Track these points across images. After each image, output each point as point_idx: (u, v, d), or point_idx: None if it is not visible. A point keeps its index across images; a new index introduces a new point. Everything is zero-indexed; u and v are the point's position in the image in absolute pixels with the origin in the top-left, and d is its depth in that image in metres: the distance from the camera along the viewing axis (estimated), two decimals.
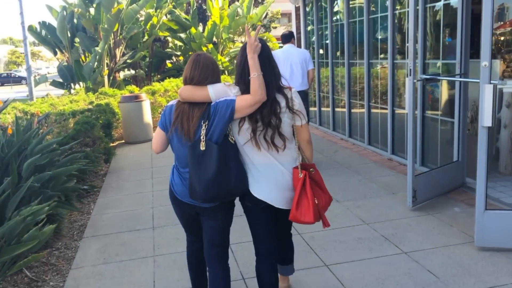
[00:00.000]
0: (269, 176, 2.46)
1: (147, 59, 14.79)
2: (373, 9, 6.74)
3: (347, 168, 6.14)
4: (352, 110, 7.74)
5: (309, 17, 9.42)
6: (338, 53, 8.12)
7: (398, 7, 6.07)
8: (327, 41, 8.39)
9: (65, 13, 11.86)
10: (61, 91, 12.42)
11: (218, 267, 2.59)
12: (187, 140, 2.37)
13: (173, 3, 14.52)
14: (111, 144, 9.07)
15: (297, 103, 2.46)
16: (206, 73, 2.40)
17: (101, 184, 6.23)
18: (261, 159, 2.45)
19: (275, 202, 2.48)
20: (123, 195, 5.69)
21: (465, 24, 4.67)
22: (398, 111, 6.25)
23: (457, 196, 4.75)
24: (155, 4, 13.32)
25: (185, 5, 15.77)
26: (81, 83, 11.56)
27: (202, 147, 2.32)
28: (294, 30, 10.27)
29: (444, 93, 5.29)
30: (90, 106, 7.96)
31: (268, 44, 2.63)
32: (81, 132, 5.69)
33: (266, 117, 2.36)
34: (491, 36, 3.18)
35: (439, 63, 5.25)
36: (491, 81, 3.27)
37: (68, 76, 11.93)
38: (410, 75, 4.22)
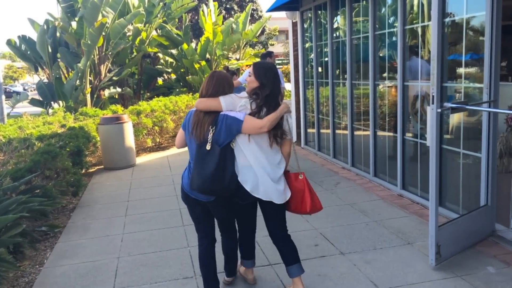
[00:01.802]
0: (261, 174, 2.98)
1: (136, 76, 14.00)
2: (378, 25, 5.98)
3: (351, 206, 5.29)
4: (355, 135, 6.92)
5: (307, 34, 8.68)
6: (339, 72, 7.34)
7: (415, 21, 5.30)
8: (327, 59, 7.62)
9: (45, 27, 11.09)
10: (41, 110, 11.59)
11: (228, 233, 3.34)
12: (199, 141, 2.89)
13: (164, 18, 13.81)
14: (90, 170, 8.25)
15: (290, 122, 3.09)
16: (219, 87, 2.96)
17: (65, 222, 5.35)
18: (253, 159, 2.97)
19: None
20: (87, 238, 4.81)
21: (495, 42, 3.88)
22: (409, 139, 5.43)
23: (488, 249, 3.90)
24: (144, 19, 12.59)
25: (177, 20, 15.04)
26: (62, 101, 10.73)
27: (208, 147, 2.85)
28: (291, 47, 9.52)
29: (466, 120, 4.49)
30: (61, 130, 7.13)
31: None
32: (40, 163, 4.84)
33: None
34: None
35: (461, 85, 4.45)
36: None
37: (48, 94, 11.09)
38: (433, 103, 3.41)
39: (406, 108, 5.46)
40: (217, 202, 3.01)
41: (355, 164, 6.95)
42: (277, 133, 2.98)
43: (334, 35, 7.38)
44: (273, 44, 33.76)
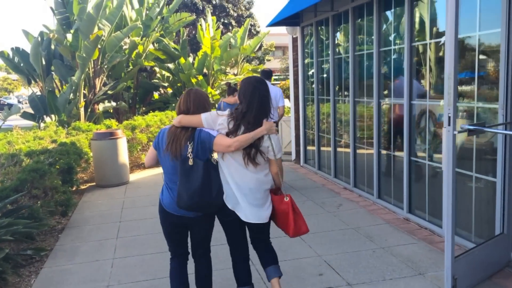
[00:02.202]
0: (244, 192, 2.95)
1: (132, 90, 13.76)
2: (383, 42, 5.79)
3: (355, 230, 5.02)
4: (358, 154, 6.68)
5: (307, 49, 8.50)
6: (341, 89, 7.13)
7: (417, 38, 5.10)
8: (328, 76, 7.42)
9: (39, 39, 10.86)
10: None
11: (203, 260, 3.17)
12: (174, 158, 2.89)
13: (162, 32, 13.64)
14: (81, 187, 7.95)
15: (276, 138, 2.96)
16: (199, 104, 2.98)
17: (53, 245, 5.04)
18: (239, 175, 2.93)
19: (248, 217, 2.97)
20: (75, 263, 4.50)
21: (511, 60, 3.67)
22: (416, 160, 5.19)
23: (505, 281, 3.63)
24: (141, 32, 12.40)
25: (174, 34, 14.88)
26: (54, 115, 10.45)
27: (190, 162, 2.84)
28: (290, 62, 9.34)
29: (478, 141, 4.26)
30: (52, 145, 6.84)
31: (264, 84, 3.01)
32: (26, 182, 4.55)
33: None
34: None
35: (473, 106, 4.23)
36: None
37: (41, 107, 10.80)
38: (449, 125, 3.18)
39: (413, 127, 5.23)
40: (204, 218, 3.00)
41: (357, 184, 6.69)
42: (250, 152, 2.86)
43: (336, 51, 7.19)
44: (269, 60, 33.70)
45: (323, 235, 4.88)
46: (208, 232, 3.13)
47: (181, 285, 3.14)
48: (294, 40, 8.98)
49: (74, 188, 7.12)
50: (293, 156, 9.45)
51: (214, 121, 2.91)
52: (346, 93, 6.91)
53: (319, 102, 8.04)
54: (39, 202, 4.77)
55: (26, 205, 4.44)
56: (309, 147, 8.78)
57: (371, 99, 6.06)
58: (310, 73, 8.40)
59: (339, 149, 7.36)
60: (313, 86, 8.14)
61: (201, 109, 2.96)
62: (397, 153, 5.59)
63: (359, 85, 6.50)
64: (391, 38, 5.65)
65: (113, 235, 5.30)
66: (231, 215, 2.97)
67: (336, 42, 7.21)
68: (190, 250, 3.22)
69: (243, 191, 2.90)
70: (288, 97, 17.37)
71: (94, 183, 8.12)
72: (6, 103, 46.26)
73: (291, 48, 9.21)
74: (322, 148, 8.06)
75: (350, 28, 6.47)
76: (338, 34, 7.19)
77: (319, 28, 7.78)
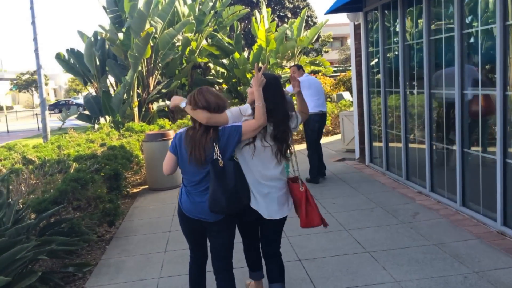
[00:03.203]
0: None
1: (186, 87, 13.47)
2: (467, 22, 4.89)
3: (439, 248, 4.21)
4: (436, 152, 5.80)
5: (370, 37, 7.66)
6: (413, 79, 6.26)
7: None
8: (397, 65, 6.57)
9: (93, 39, 10.76)
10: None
11: (224, 274, 3.02)
12: (199, 164, 2.79)
13: (215, 26, 13.21)
14: (134, 190, 7.67)
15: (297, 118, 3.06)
16: (221, 101, 2.87)
17: (98, 258, 4.66)
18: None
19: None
20: (117, 283, 4.07)
21: None
22: None
23: None
24: (194, 28, 12.03)
25: (228, 28, 14.42)
26: (108, 116, 10.32)
27: (221, 164, 2.76)
28: (352, 52, 8.52)
29: None
30: (101, 149, 6.55)
31: (279, 77, 3.33)
32: (66, 193, 4.18)
33: (280, 133, 2.90)
34: None
35: None
36: None
37: (96, 109, 10.72)
38: None
39: (508, 122, 4.33)
40: (223, 223, 2.91)
41: (435, 188, 5.82)
42: (281, 148, 2.91)
43: (407, 36, 6.32)
44: (327, 51, 32.62)
45: (399, 254, 4.14)
46: (228, 241, 3.01)
47: None
48: (356, 28, 8.15)
49: (124, 193, 6.80)
50: (357, 155, 8.65)
51: (239, 117, 2.87)
52: (419, 83, 6.05)
53: (386, 95, 7.19)
54: (81, 214, 4.39)
55: (66, 219, 4.07)
56: (375, 144, 7.95)
57: (451, 90, 5.18)
58: (375, 63, 7.56)
59: (411, 146, 6.50)
60: (379, 77, 7.30)
61: (222, 106, 2.86)
62: (487, 153, 4.69)
63: (435, 74, 5.62)
64: (477, 17, 4.74)
65: (161, 247, 4.85)
66: (252, 214, 2.94)
67: (407, 27, 6.34)
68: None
69: (264, 188, 2.89)
70: (348, 89, 16.45)
71: (147, 186, 7.81)
72: (74, 103, 48.55)
73: (353, 37, 8.38)
74: (391, 145, 7.21)
75: (424, 9, 5.60)
76: (408, 17, 6.31)
77: (386, 12, 6.92)
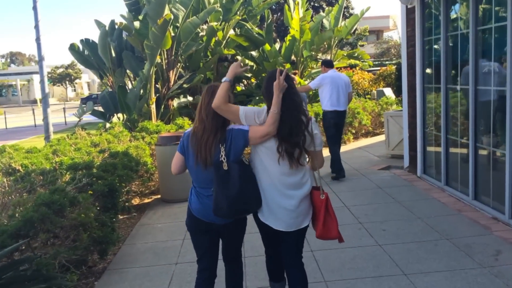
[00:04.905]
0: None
1: (212, 82, 12.39)
2: None
3: None
4: None
5: (428, 23, 6.32)
6: (485, 74, 4.93)
7: None
8: (466, 57, 5.24)
9: (108, 28, 9.77)
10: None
11: (234, 265, 3.03)
12: (204, 166, 2.70)
13: (244, 15, 12.04)
14: (145, 201, 6.66)
15: (317, 132, 2.79)
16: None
17: None
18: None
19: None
20: None
21: None
22: None
23: None
24: (221, 17, 10.91)
25: (258, 18, 13.23)
26: (124, 114, 9.34)
27: (225, 167, 2.68)
28: (403, 41, 7.18)
29: None
30: (100, 156, 5.51)
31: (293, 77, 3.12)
32: (32, 223, 3.11)
33: (295, 137, 2.69)
34: None
35: None
36: None
37: (111, 105, 9.75)
38: None
39: None
40: (234, 225, 2.83)
41: None
42: (293, 154, 2.69)
43: (479, 20, 4.98)
44: (363, 45, 30.93)
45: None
46: (239, 241, 3.01)
47: None
48: (410, 12, 6.82)
49: (138, 201, 5.78)
50: (406, 163, 7.33)
51: (259, 117, 2.70)
52: (495, 79, 4.71)
53: (447, 93, 5.86)
54: (57, 247, 3.33)
55: (29, 258, 3.01)
56: (429, 150, 6.62)
57: None
58: (433, 54, 6.23)
59: (481, 157, 5.17)
60: (438, 71, 5.97)
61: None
62: None
63: None
64: None
65: (162, 287, 3.76)
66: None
67: (480, 6, 5.00)
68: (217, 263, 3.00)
69: (282, 196, 2.74)
70: (389, 85, 15.01)
71: (159, 196, 6.77)
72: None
73: (405, 23, 7.04)
74: (452, 151, 5.87)
75: None
76: None
77: None
